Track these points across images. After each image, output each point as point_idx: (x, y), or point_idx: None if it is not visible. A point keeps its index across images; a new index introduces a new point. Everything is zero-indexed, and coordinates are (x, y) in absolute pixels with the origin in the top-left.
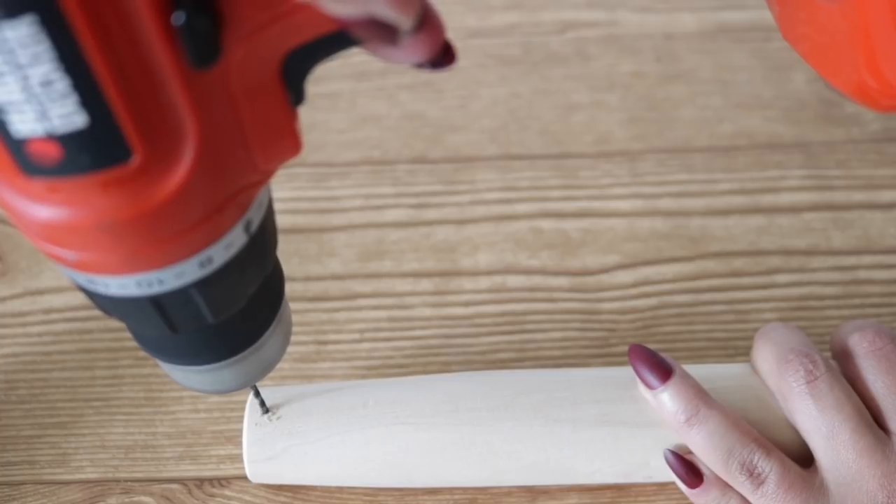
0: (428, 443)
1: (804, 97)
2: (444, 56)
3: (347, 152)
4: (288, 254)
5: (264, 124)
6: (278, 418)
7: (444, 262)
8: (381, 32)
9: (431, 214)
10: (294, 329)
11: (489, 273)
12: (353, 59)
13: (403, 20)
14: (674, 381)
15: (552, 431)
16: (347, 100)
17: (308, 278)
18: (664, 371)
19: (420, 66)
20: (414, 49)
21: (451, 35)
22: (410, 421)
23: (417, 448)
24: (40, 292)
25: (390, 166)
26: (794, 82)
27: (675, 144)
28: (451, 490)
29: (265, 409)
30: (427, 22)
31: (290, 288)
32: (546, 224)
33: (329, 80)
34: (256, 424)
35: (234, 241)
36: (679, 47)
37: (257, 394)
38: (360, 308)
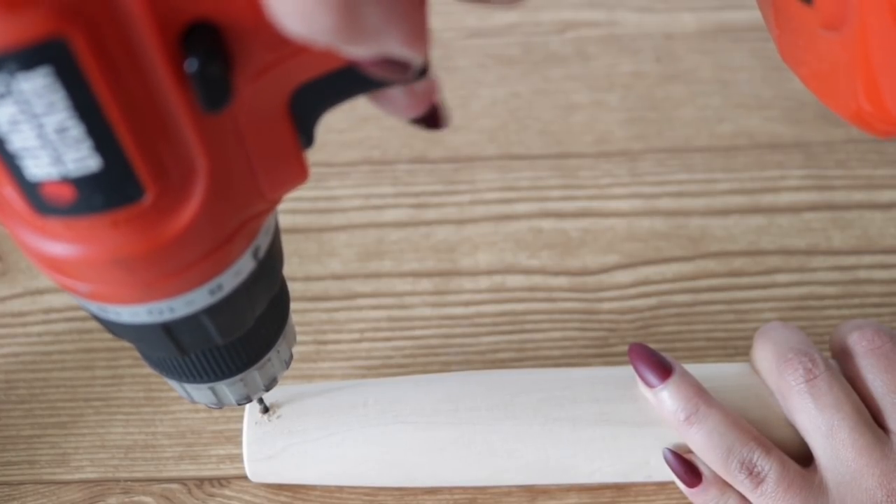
0: (427, 442)
1: (804, 97)
2: (436, 117)
3: (347, 152)
4: (288, 254)
5: (272, 156)
6: (278, 417)
7: (444, 262)
8: (393, 70)
9: (431, 214)
10: None
11: (489, 273)
12: None
13: (415, 57)
14: (673, 380)
15: (552, 430)
16: None
17: (308, 278)
18: (664, 369)
19: (417, 122)
20: (416, 102)
21: (451, 35)
22: (410, 420)
23: (417, 447)
24: (40, 292)
25: (390, 166)
26: (794, 82)
27: (675, 144)
28: (450, 490)
29: (265, 408)
30: (427, 77)
31: (290, 288)
32: (546, 224)
33: None
34: (256, 423)
35: (242, 267)
36: (679, 47)
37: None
38: (359, 308)
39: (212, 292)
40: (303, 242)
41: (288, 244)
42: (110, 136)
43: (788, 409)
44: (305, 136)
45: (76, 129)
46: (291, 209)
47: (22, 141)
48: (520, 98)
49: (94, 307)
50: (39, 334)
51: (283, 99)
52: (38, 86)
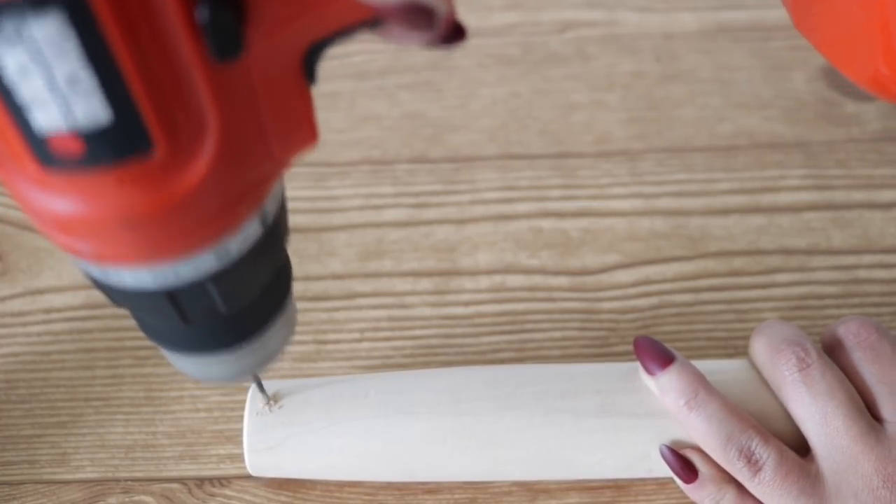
0: (429, 432)
1: (804, 97)
2: (456, 32)
3: (347, 152)
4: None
5: (284, 114)
6: (280, 408)
7: (444, 262)
8: (418, 18)
9: (431, 214)
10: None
11: (489, 273)
12: (353, 59)
13: (441, 3)
14: (675, 367)
15: (553, 421)
16: (347, 99)
17: (308, 278)
18: (665, 358)
19: (432, 43)
20: (436, 32)
21: None
22: (411, 411)
23: (418, 438)
24: (40, 292)
25: (390, 166)
26: (794, 82)
27: (675, 144)
28: (451, 490)
29: (267, 399)
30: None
31: None
32: (546, 224)
33: (329, 79)
34: (258, 414)
35: (250, 233)
36: (679, 47)
37: (259, 384)
38: (359, 308)
39: (218, 257)
40: (303, 242)
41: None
42: (121, 87)
43: (783, 399)
44: (309, 75)
45: (87, 79)
46: (292, 209)
47: (31, 91)
48: (520, 98)
49: (96, 271)
50: (39, 334)
51: (298, 56)
52: (49, 31)
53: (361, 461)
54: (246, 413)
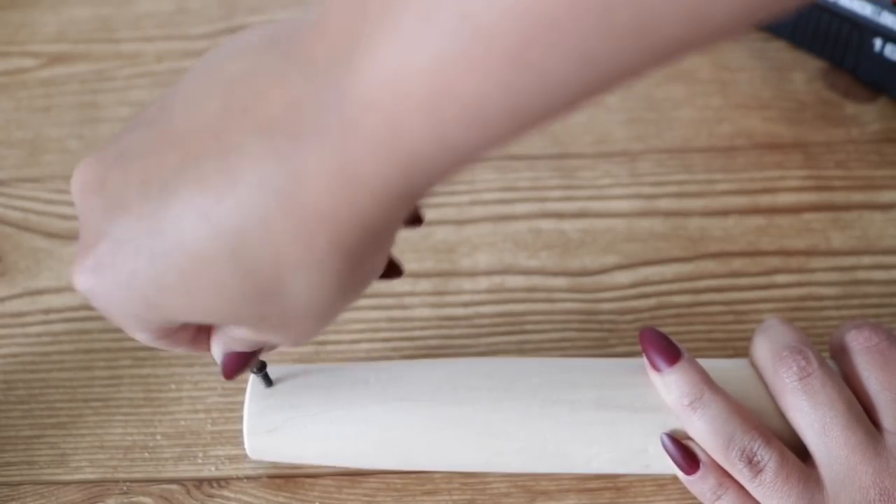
0: (427, 419)
1: (804, 97)
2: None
3: None
4: None
5: None
6: (281, 392)
7: (443, 263)
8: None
9: (430, 215)
10: None
11: (488, 273)
12: None
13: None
14: (681, 365)
15: (550, 413)
16: None
17: None
18: (672, 354)
19: None
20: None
21: None
22: (410, 398)
23: (416, 425)
24: (39, 292)
25: None
26: (793, 82)
27: (675, 145)
28: (449, 491)
29: (269, 382)
30: None
31: None
32: (545, 224)
33: None
34: (259, 397)
35: None
36: None
37: (262, 368)
38: (358, 308)
39: None
40: None
41: None
42: None
43: (783, 406)
44: None
45: None
46: None
47: None
48: None
49: None
50: (38, 335)
51: None
52: None
53: (359, 447)
54: (247, 395)
